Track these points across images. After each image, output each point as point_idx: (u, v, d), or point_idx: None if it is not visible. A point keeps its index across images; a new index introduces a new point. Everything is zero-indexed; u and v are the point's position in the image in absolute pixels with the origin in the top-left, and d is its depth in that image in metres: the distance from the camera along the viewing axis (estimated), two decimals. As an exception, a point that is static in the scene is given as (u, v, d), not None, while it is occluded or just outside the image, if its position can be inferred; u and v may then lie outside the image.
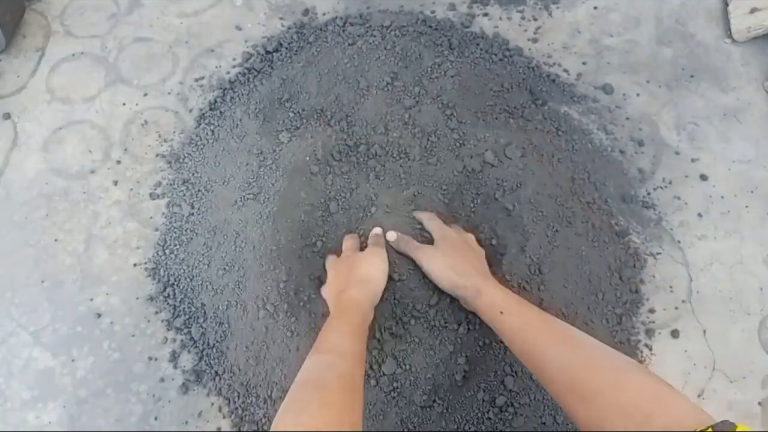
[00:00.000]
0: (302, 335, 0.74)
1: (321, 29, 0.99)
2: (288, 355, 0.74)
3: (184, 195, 0.88)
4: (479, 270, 0.71)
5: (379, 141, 0.85)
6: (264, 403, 0.75)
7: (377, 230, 0.79)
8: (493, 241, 0.80)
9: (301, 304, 0.76)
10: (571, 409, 0.53)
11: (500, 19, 1.03)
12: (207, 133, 0.92)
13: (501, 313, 0.64)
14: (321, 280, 0.77)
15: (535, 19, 1.03)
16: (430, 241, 0.77)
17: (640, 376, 0.51)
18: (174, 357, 0.80)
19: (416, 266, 0.76)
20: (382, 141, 0.85)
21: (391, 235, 0.77)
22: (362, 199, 0.82)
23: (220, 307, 0.79)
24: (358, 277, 0.70)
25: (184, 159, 0.91)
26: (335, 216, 0.82)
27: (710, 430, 0.40)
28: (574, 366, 0.55)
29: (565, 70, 0.98)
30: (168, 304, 0.83)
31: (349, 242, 0.78)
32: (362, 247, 0.78)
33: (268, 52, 0.99)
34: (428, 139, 0.85)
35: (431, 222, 0.78)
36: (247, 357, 0.76)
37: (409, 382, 0.73)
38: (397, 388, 0.73)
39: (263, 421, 0.75)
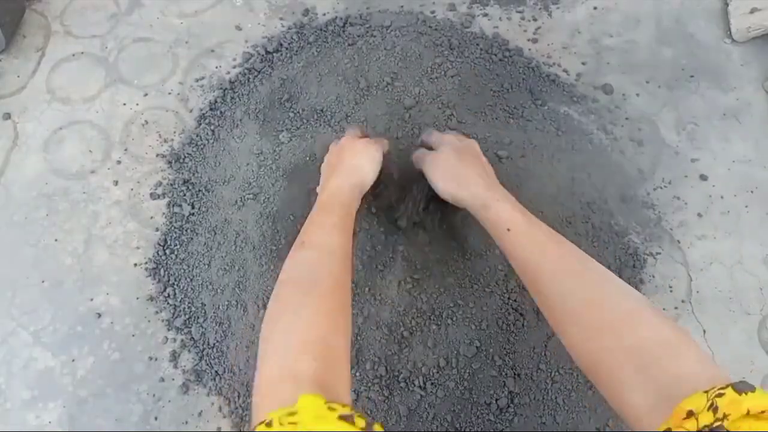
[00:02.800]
0: None
1: (321, 29, 0.99)
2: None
3: (185, 195, 0.88)
4: (484, 179, 0.65)
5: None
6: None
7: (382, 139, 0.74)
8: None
9: None
10: (569, 341, 0.50)
11: (500, 19, 1.03)
12: (207, 134, 0.92)
13: (508, 230, 0.58)
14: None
15: (535, 20, 1.03)
16: None
17: (653, 318, 0.47)
18: (174, 357, 0.80)
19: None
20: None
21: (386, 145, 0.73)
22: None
23: (221, 307, 0.79)
24: (346, 165, 0.67)
25: (184, 159, 0.91)
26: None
27: (729, 389, 0.36)
28: (579, 297, 0.50)
29: (565, 71, 0.98)
30: (168, 303, 0.83)
31: (350, 130, 0.74)
32: None
33: (268, 53, 0.99)
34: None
35: (430, 136, 0.73)
36: (247, 357, 0.76)
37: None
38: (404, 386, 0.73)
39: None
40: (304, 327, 0.49)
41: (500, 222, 0.60)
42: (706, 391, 0.37)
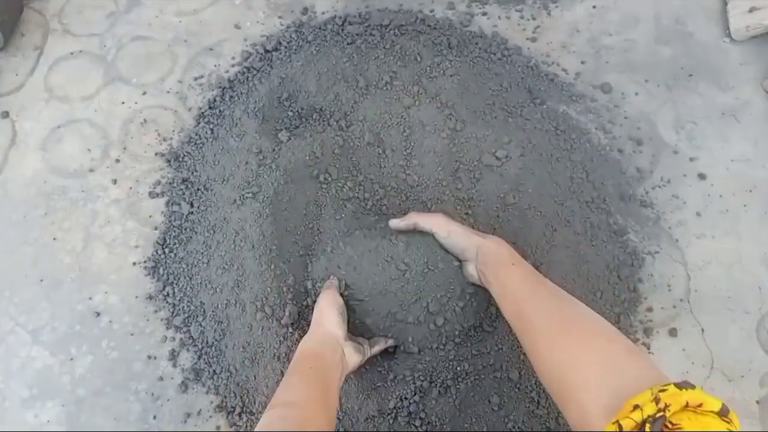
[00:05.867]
0: (297, 339, 0.74)
1: (320, 28, 0.99)
2: (283, 359, 0.74)
3: (184, 194, 0.88)
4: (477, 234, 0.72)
5: (377, 140, 0.86)
6: (260, 404, 0.75)
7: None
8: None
9: (299, 306, 0.76)
10: (551, 348, 0.55)
11: (499, 18, 1.03)
12: (206, 132, 0.92)
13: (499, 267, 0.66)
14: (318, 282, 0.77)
15: (534, 18, 1.03)
16: None
17: (614, 334, 0.53)
18: (173, 355, 0.80)
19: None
20: (381, 140, 0.86)
21: (394, 222, 0.76)
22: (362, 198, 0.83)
23: (219, 306, 0.79)
24: (312, 323, 0.70)
25: (183, 158, 0.91)
26: (334, 215, 0.82)
27: (671, 385, 0.41)
28: (565, 313, 0.57)
29: (564, 70, 0.98)
30: (167, 302, 0.82)
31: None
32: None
33: (267, 51, 0.99)
34: (427, 139, 0.85)
35: (411, 218, 0.75)
36: (243, 358, 0.76)
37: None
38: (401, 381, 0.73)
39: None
40: None
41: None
42: (651, 388, 0.41)
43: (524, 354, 0.74)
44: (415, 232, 0.75)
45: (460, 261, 0.73)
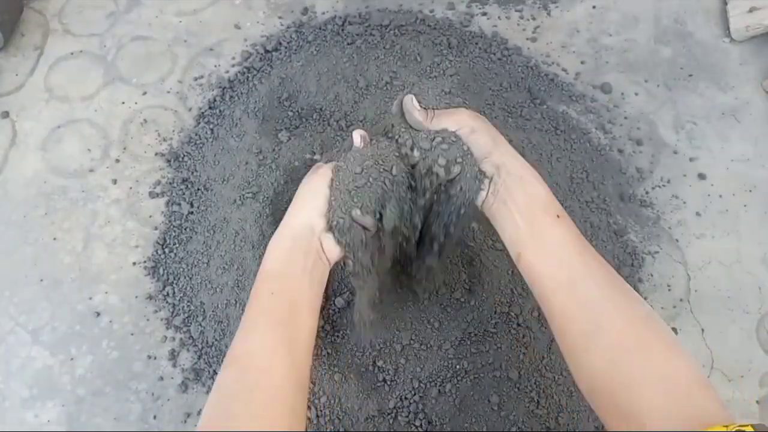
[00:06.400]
0: None
1: (320, 28, 0.99)
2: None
3: (184, 194, 0.88)
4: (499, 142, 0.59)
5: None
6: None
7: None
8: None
9: None
10: (580, 359, 0.48)
11: (499, 18, 1.03)
12: (206, 132, 0.92)
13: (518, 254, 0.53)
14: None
15: (534, 19, 1.03)
16: None
17: (683, 351, 0.45)
18: (173, 355, 0.80)
19: None
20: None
21: (407, 100, 0.61)
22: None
23: (219, 306, 0.79)
24: (285, 215, 0.60)
25: (183, 158, 0.91)
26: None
27: (749, 427, 0.36)
28: (605, 313, 0.47)
29: (564, 70, 0.98)
30: (167, 302, 0.82)
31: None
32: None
33: (267, 51, 0.99)
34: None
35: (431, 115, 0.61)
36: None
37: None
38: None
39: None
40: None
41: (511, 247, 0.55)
42: (727, 426, 0.37)
43: (523, 353, 0.75)
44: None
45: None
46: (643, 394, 0.43)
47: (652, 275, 0.84)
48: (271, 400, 0.49)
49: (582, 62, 0.99)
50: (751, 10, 0.98)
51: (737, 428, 0.37)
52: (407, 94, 0.61)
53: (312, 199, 0.59)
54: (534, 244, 0.51)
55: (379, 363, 0.75)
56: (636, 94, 0.97)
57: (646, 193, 0.89)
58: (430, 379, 0.73)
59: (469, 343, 0.75)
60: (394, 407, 0.73)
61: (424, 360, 0.74)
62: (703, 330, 0.81)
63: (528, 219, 0.52)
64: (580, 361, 0.48)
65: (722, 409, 0.42)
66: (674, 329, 0.81)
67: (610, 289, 0.48)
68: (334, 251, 0.58)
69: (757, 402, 0.77)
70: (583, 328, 0.47)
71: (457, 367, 0.74)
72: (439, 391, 0.73)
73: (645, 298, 0.82)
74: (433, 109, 0.61)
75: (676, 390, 0.43)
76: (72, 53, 1.02)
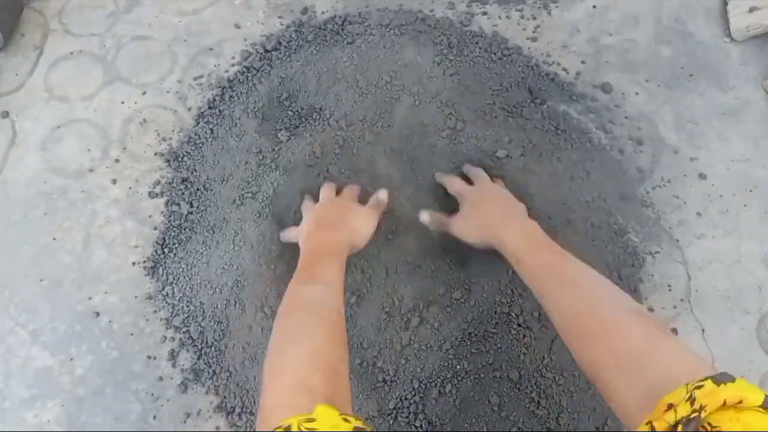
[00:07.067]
0: None
1: (320, 28, 0.99)
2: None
3: (183, 194, 0.88)
4: (501, 218, 0.71)
5: (378, 140, 0.85)
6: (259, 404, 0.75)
7: (383, 194, 0.78)
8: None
9: None
10: (574, 352, 0.55)
11: (499, 17, 1.03)
12: (206, 132, 0.92)
13: (518, 261, 0.65)
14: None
15: (534, 18, 1.03)
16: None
17: (637, 324, 0.51)
18: (173, 356, 0.80)
19: None
20: (381, 140, 0.85)
21: (425, 217, 0.77)
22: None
23: (219, 306, 0.79)
24: (350, 226, 0.71)
25: (183, 158, 0.91)
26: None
27: (708, 381, 0.38)
28: (577, 310, 0.56)
29: (564, 69, 0.98)
30: (167, 302, 0.82)
31: (328, 191, 0.78)
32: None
33: (267, 51, 0.98)
34: (427, 138, 0.85)
35: (452, 185, 0.79)
36: (243, 358, 0.76)
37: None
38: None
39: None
40: (315, 353, 0.53)
41: (512, 255, 0.66)
42: (687, 384, 0.39)
43: (524, 354, 0.75)
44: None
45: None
46: (608, 377, 0.48)
47: (652, 275, 0.84)
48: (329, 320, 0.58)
49: (582, 62, 0.99)
50: (751, 10, 0.98)
51: (697, 383, 0.38)
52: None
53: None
54: (530, 252, 0.64)
55: (379, 364, 0.75)
56: (636, 93, 0.96)
57: (647, 193, 0.89)
58: (430, 380, 0.73)
59: (469, 343, 0.75)
60: (394, 408, 0.73)
61: (424, 360, 0.74)
62: (703, 330, 0.81)
63: (527, 240, 0.65)
64: (572, 353, 0.55)
65: (682, 361, 0.45)
66: (674, 329, 0.81)
67: (590, 273, 0.59)
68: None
69: (758, 402, 0.77)
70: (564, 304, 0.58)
71: (458, 367, 0.74)
72: (439, 391, 0.73)
73: (645, 299, 0.82)
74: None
75: (630, 363, 0.47)
76: (72, 53, 1.02)
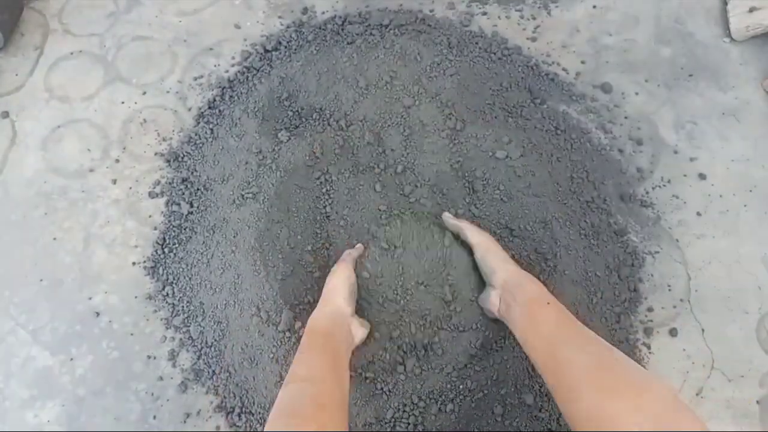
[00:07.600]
0: (294, 344, 0.73)
1: (320, 28, 0.99)
2: (281, 361, 0.74)
3: (183, 194, 0.88)
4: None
5: (377, 140, 0.85)
6: (259, 405, 0.75)
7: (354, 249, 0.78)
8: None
9: (296, 311, 0.76)
10: (577, 407, 0.53)
11: (499, 18, 1.03)
12: (206, 132, 0.92)
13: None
14: (319, 282, 0.77)
15: (534, 18, 1.03)
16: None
17: (663, 386, 0.50)
18: (173, 356, 0.80)
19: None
20: (380, 140, 0.85)
21: (447, 216, 0.79)
22: (362, 200, 0.82)
23: (219, 306, 0.79)
24: (322, 298, 0.71)
25: (183, 158, 0.91)
26: (334, 215, 0.82)
27: None
28: (588, 362, 0.55)
29: (564, 69, 0.98)
30: (167, 302, 0.82)
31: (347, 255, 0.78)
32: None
33: (267, 51, 0.99)
34: (427, 138, 0.85)
35: (462, 223, 0.78)
36: (242, 358, 0.76)
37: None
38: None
39: (259, 421, 0.75)
40: None
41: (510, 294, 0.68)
42: None
43: (529, 370, 0.75)
44: (454, 242, 0.78)
45: (477, 294, 0.76)
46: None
47: (652, 275, 0.84)
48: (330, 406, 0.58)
49: (582, 62, 0.99)
50: (751, 10, 0.98)
51: None
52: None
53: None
54: (530, 326, 0.63)
55: (379, 382, 0.74)
56: (636, 93, 0.97)
57: (647, 193, 0.89)
58: (431, 396, 0.73)
59: (472, 363, 0.74)
60: (392, 418, 0.72)
61: (424, 378, 0.74)
62: (703, 330, 0.81)
63: (525, 309, 0.65)
64: (567, 405, 0.55)
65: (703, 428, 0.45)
66: (674, 329, 0.81)
67: (591, 355, 0.57)
68: (358, 333, 0.71)
69: (757, 402, 0.77)
70: (565, 383, 0.56)
71: (460, 386, 0.73)
72: (439, 408, 0.73)
73: (645, 298, 0.82)
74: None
75: (657, 423, 0.47)
76: (72, 53, 1.02)
